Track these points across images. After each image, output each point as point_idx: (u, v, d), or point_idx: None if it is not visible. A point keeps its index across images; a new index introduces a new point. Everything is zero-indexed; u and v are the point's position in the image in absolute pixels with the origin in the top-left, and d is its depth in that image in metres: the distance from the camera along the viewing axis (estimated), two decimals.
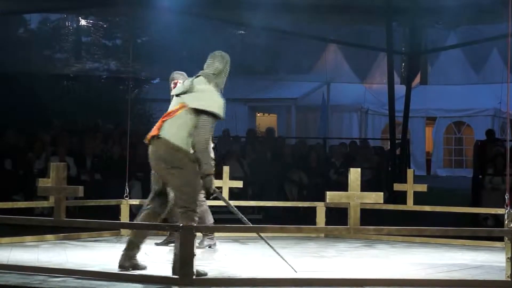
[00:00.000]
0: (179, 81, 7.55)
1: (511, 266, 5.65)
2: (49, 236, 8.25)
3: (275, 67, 23.09)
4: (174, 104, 6.04)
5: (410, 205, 8.72)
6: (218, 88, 6.13)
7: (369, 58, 22.56)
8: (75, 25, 20.76)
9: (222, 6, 12.95)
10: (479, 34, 16.38)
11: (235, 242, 8.47)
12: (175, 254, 5.59)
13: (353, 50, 21.30)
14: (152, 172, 6.57)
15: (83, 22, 20.34)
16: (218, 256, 7.27)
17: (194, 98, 5.93)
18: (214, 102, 5.93)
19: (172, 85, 7.78)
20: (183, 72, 7.85)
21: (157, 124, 6.01)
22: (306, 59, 22.78)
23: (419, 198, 8.97)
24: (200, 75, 6.13)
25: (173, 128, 5.87)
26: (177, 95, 6.05)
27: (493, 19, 13.01)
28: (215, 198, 6.25)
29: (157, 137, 5.92)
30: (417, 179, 8.72)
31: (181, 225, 5.62)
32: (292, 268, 6.10)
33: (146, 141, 6.03)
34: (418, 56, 17.17)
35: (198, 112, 5.86)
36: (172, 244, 7.34)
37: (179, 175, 5.77)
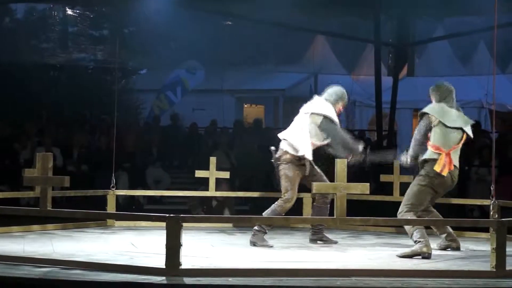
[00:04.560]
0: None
1: (496, 257, 5.68)
2: (35, 227, 8.23)
3: (262, 58, 23.05)
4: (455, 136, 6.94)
5: (396, 196, 8.74)
6: None
7: (357, 50, 22.56)
8: (61, 15, 20.61)
9: None
10: (466, 26, 16.43)
11: (221, 233, 8.48)
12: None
13: (341, 42, 21.30)
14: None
15: (69, 12, 20.20)
16: (204, 247, 7.27)
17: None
18: None
19: (342, 107, 7.69)
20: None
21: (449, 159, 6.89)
22: (294, 50, 22.76)
23: (405, 189, 8.97)
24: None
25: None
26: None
27: (479, 12, 13.05)
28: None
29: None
30: (404, 170, 8.73)
31: (167, 215, 5.62)
32: None
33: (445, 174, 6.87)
34: (405, 48, 17.17)
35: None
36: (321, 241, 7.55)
37: None
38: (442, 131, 6.92)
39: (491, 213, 7.38)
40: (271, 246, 7.27)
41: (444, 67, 22.56)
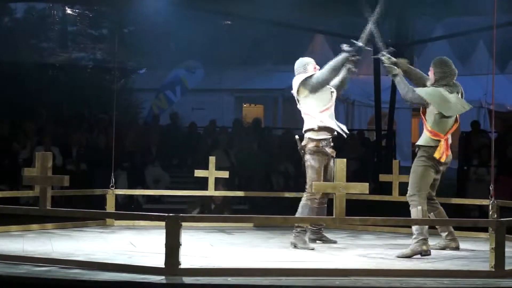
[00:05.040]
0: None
1: (495, 257, 5.68)
2: (34, 226, 8.23)
3: (262, 57, 23.05)
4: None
5: (395, 196, 8.74)
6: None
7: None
8: (61, 14, 20.61)
9: None
10: (466, 26, 16.43)
11: (220, 232, 8.48)
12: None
13: (340, 41, 21.30)
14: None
15: (69, 11, 20.21)
16: (203, 246, 7.28)
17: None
18: None
19: (314, 66, 7.77)
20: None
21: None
22: (293, 50, 22.76)
23: (404, 189, 8.98)
24: None
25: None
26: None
27: (479, 11, 13.05)
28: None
29: None
30: (403, 170, 8.73)
31: (166, 215, 5.62)
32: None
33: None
34: (404, 48, 17.15)
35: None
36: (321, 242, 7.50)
37: None
38: (440, 118, 6.95)
39: (490, 213, 7.38)
40: (312, 249, 7.14)
41: None
